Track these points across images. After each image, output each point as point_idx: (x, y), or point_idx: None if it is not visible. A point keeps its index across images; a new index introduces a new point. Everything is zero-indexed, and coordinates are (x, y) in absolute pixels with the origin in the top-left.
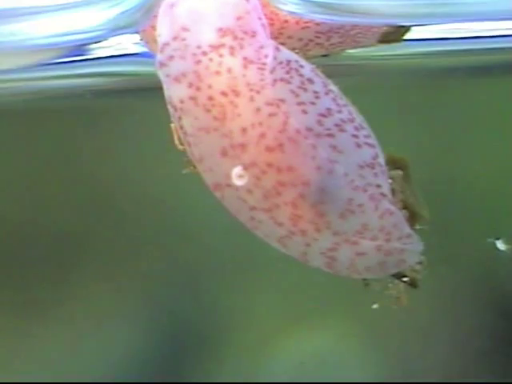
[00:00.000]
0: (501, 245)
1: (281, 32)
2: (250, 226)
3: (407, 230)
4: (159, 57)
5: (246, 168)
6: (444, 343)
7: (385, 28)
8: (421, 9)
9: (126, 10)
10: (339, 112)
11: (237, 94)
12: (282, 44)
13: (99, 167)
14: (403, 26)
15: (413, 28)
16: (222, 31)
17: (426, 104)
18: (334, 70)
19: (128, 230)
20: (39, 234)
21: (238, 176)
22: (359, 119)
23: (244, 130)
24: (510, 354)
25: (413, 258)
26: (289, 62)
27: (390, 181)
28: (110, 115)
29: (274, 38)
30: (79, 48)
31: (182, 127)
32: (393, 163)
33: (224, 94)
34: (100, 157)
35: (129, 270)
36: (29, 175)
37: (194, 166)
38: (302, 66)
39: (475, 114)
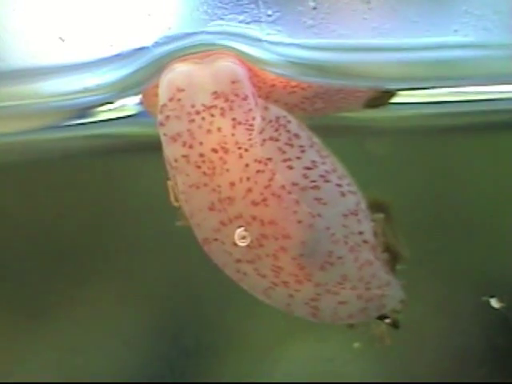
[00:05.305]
0: (495, 303)
1: (268, 96)
2: (236, 278)
3: (386, 277)
4: (159, 117)
5: (231, 220)
6: (443, 343)
7: (370, 93)
8: (414, 70)
9: (129, 74)
10: (323, 163)
11: (226, 150)
12: None
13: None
14: (389, 91)
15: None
16: (216, 94)
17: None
18: (322, 129)
19: (130, 238)
20: (44, 240)
21: (240, 237)
22: (341, 169)
23: (232, 185)
24: (510, 354)
25: (393, 302)
26: (278, 118)
27: (372, 224)
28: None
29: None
30: (84, 111)
31: (176, 184)
32: (375, 206)
33: (214, 150)
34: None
35: (132, 276)
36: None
37: (187, 220)
38: (289, 122)
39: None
